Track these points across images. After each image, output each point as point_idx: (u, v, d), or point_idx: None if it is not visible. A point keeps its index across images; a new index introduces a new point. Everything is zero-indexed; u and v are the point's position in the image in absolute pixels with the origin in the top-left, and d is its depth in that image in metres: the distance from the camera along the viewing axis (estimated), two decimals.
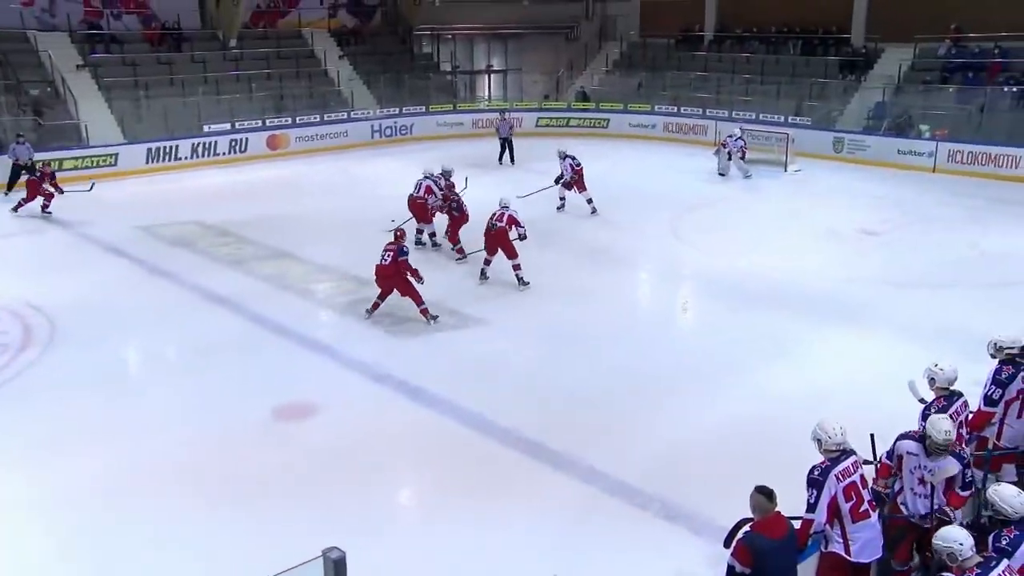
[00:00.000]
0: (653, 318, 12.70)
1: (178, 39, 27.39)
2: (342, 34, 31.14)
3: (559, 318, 12.07)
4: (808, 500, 5.40)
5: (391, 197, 16.54)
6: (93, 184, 19.47)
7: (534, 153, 23.51)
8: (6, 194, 19.38)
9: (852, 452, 5.54)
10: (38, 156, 19.68)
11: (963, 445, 6.26)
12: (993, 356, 6.86)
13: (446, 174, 15.64)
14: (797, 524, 5.34)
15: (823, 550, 5.52)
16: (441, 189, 15.20)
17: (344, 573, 4.01)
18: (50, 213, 18.05)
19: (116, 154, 22.55)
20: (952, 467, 5.63)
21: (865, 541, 5.43)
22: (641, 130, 28.27)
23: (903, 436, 5.88)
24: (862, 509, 5.40)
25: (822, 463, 5.45)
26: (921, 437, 5.74)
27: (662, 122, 28.00)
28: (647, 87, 29.72)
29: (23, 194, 18.25)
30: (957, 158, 21.48)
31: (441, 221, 15.36)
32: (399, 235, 11.94)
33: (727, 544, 5.23)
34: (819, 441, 5.51)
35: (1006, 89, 22.39)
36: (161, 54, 26.73)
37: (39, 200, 18.07)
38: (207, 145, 24.39)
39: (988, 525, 5.26)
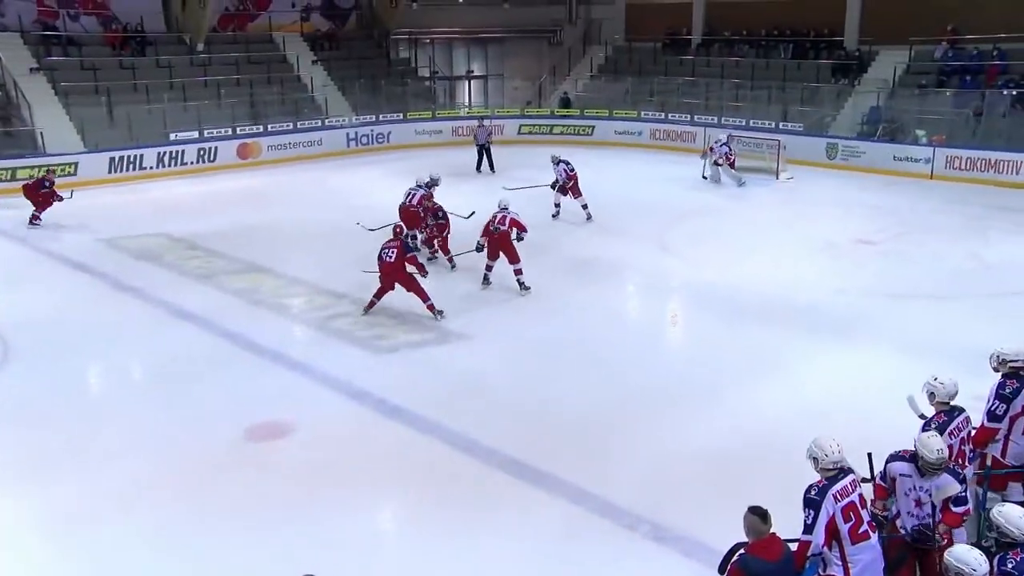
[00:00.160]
0: (641, 332, 12.71)
1: (142, 43, 27.30)
2: (315, 38, 31.15)
3: (544, 332, 12.07)
4: (805, 521, 5.39)
5: (367, 208, 16.55)
6: (72, 192, 19.30)
7: (514, 161, 23.63)
8: None
9: (850, 470, 5.53)
10: None
11: (966, 463, 6.28)
12: (996, 369, 6.84)
13: (433, 182, 15.89)
14: (794, 546, 5.33)
15: (821, 573, 5.49)
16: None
17: None
18: (38, 224, 18.11)
19: (76, 163, 22.36)
20: (953, 486, 5.62)
21: (865, 564, 5.41)
22: (627, 137, 28.39)
23: (894, 457, 5.86)
24: (861, 530, 5.38)
25: (819, 482, 5.45)
26: (912, 456, 5.71)
27: (649, 129, 28.16)
28: (633, 93, 29.83)
29: None
30: (955, 164, 21.66)
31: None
32: (398, 231, 12.39)
33: (722, 570, 5.24)
34: (815, 459, 5.50)
35: (1005, 92, 22.52)
36: (124, 58, 26.64)
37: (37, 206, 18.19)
38: (174, 154, 24.29)
39: (994, 548, 5.19)
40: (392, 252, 12.06)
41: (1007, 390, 6.65)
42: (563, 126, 29.61)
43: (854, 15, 27.12)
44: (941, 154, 21.90)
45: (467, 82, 35.83)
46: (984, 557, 4.72)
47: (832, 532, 5.37)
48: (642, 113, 28.63)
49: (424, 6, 33.38)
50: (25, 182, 19.12)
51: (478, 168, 24.28)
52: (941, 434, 5.96)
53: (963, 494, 5.73)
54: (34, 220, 18.10)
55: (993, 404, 6.67)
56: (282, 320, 12.81)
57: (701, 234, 17.59)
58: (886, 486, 5.94)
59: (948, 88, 23.93)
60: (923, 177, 21.89)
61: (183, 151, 24.43)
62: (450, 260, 14.80)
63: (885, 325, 11.92)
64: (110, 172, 22.89)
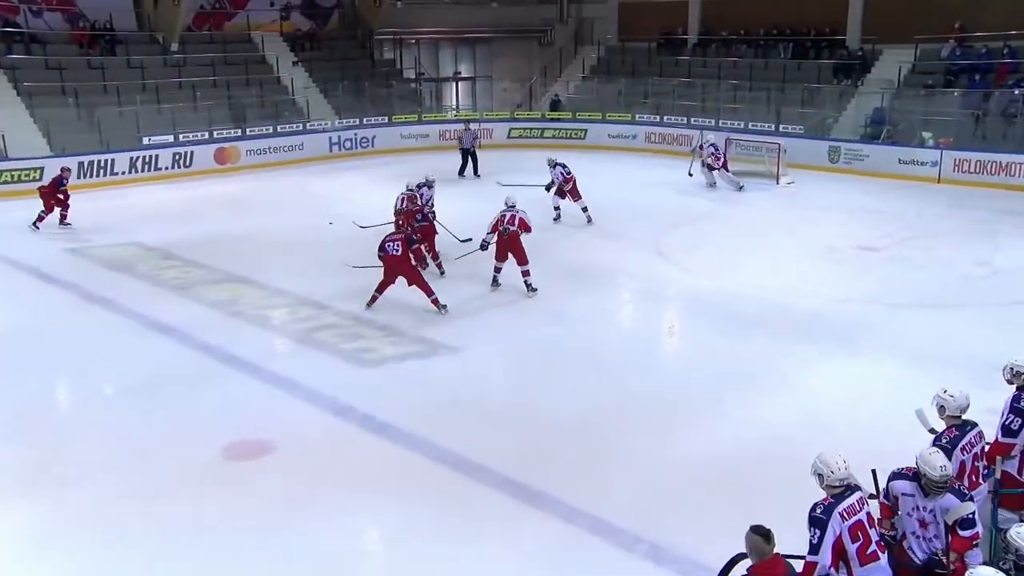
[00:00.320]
0: (637, 343, 12.69)
1: (111, 41, 27.21)
2: (296, 38, 31.17)
3: (536, 343, 12.08)
4: (810, 540, 5.35)
5: (351, 215, 16.50)
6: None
7: (503, 165, 23.66)
8: None
9: (857, 487, 5.50)
10: None
11: (980, 480, 6.25)
12: (1010, 382, 6.78)
13: (427, 184, 16.17)
14: (798, 566, 5.29)
15: None
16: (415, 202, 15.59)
17: None
18: (37, 228, 18.15)
19: (41, 168, 21.94)
20: (959, 507, 5.51)
21: None
22: (621, 141, 28.48)
23: (896, 475, 5.82)
24: (870, 550, 5.36)
25: (824, 500, 5.41)
26: (915, 475, 5.65)
27: (643, 132, 28.26)
28: (627, 95, 29.94)
29: None
30: (963, 167, 21.74)
31: None
32: (400, 223, 12.89)
33: None
34: (820, 476, 5.46)
35: (1016, 92, 22.60)
36: (92, 57, 26.54)
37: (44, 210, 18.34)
38: (147, 159, 24.26)
39: (1012, 572, 5.07)
40: (397, 245, 12.43)
41: (1022, 403, 6.58)
42: (554, 129, 29.68)
43: (856, 13, 27.21)
44: (949, 157, 21.96)
45: (454, 84, 35.90)
46: None
47: (839, 552, 5.34)
48: (636, 116, 28.73)
49: (409, 5, 33.39)
50: (40, 184, 19.20)
51: (461, 172, 24.35)
52: (953, 450, 5.94)
53: (970, 516, 5.62)
54: (63, 222, 18.32)
55: (1008, 418, 6.60)
56: (263, 332, 12.76)
57: (699, 241, 17.60)
58: (890, 503, 5.92)
59: (956, 88, 24.00)
60: (930, 181, 21.95)
61: (157, 156, 24.39)
62: (439, 266, 14.83)
63: (890, 335, 11.92)
64: (79, 178, 22.53)
